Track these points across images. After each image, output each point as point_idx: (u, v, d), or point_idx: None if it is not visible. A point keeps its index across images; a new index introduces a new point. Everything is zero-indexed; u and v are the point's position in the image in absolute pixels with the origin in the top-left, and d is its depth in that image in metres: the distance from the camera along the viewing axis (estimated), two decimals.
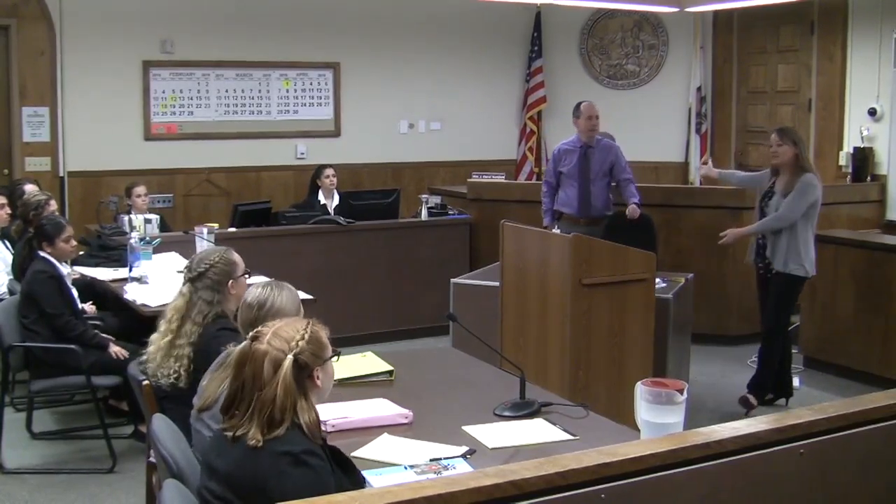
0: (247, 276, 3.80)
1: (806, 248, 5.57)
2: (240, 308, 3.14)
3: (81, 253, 6.19)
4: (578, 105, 6.76)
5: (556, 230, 6.32)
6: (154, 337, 3.60)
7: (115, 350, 4.95)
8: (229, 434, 2.35)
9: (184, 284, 3.68)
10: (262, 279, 3.83)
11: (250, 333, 2.46)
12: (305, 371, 2.40)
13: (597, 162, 6.69)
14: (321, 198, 7.96)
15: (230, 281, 3.66)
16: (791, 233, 5.54)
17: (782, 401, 5.88)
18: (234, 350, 2.91)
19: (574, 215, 6.69)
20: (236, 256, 3.77)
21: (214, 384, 2.86)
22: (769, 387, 5.82)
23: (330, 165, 8.15)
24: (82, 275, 5.83)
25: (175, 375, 3.47)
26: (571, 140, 6.83)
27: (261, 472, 2.29)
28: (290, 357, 2.37)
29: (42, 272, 4.93)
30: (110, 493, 4.56)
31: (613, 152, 6.75)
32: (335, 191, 7.99)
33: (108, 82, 8.26)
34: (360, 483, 2.49)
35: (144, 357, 3.59)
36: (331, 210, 7.82)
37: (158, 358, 3.53)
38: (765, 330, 5.81)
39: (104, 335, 5.06)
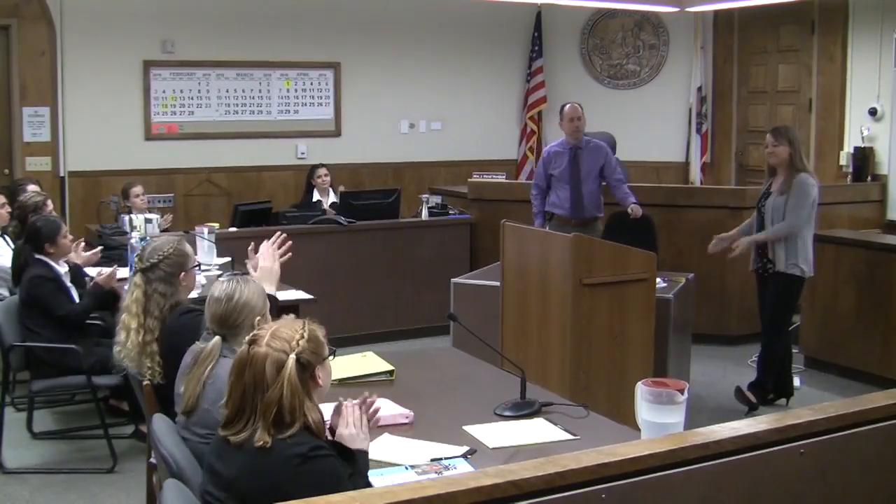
0: (197, 269, 3.81)
1: (805, 249, 5.58)
2: (207, 304, 3.12)
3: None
4: (562, 107, 6.79)
5: None
6: (122, 335, 3.61)
7: (102, 280, 5.00)
8: (235, 440, 2.34)
9: (135, 274, 3.70)
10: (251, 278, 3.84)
11: (247, 338, 2.45)
12: (308, 370, 2.40)
13: (587, 163, 6.69)
14: (317, 196, 7.99)
15: (182, 273, 3.68)
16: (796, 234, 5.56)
17: (783, 400, 5.88)
18: (208, 347, 2.91)
19: (566, 216, 6.69)
20: (189, 248, 3.80)
21: (193, 383, 2.86)
22: (770, 388, 5.82)
23: (323, 165, 8.19)
24: (76, 265, 5.78)
25: (150, 373, 3.52)
26: (560, 142, 6.85)
27: (271, 476, 2.29)
28: (292, 357, 2.36)
29: (40, 276, 4.92)
30: (111, 494, 4.56)
31: (603, 153, 6.75)
32: (330, 189, 8.03)
33: (109, 82, 8.27)
34: (363, 470, 2.51)
35: (118, 349, 3.61)
36: (326, 207, 7.85)
37: (134, 354, 3.55)
38: (764, 330, 5.82)
39: (93, 286, 5.09)
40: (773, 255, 5.62)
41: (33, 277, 4.92)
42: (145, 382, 3.50)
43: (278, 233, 3.82)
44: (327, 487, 2.16)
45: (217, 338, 2.97)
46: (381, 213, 7.58)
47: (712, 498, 2.06)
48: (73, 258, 5.39)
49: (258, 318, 3.07)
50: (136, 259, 3.75)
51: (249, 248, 3.73)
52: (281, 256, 3.75)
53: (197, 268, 3.85)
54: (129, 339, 3.57)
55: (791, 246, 5.55)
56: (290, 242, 3.84)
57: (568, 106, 6.73)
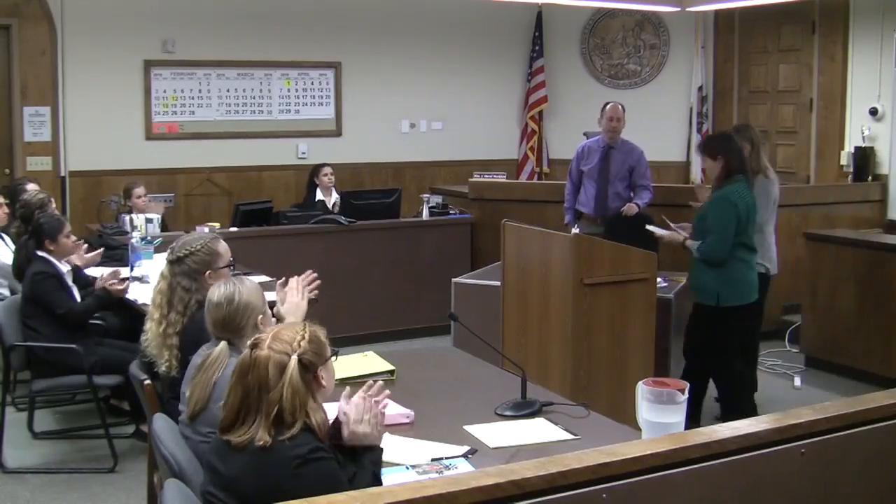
0: (230, 268, 3.76)
1: (768, 247, 5.56)
2: (206, 309, 3.10)
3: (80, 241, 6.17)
4: (604, 106, 6.77)
5: (575, 229, 6.33)
6: (147, 324, 3.62)
7: (115, 289, 5.03)
8: (237, 441, 2.34)
9: (165, 266, 3.69)
10: (264, 279, 3.83)
11: (249, 342, 2.45)
12: (310, 371, 2.40)
13: (617, 163, 6.67)
14: (319, 195, 7.99)
15: (208, 271, 3.63)
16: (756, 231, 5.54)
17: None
18: (214, 353, 2.91)
19: (591, 215, 6.69)
20: (222, 247, 3.72)
21: (199, 388, 2.85)
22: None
23: (328, 164, 8.18)
24: (78, 266, 5.79)
25: (167, 364, 3.51)
26: (597, 139, 6.83)
27: (270, 477, 2.29)
28: (294, 358, 2.37)
29: (42, 273, 4.93)
30: (112, 493, 4.57)
31: (635, 156, 6.73)
32: (333, 188, 8.03)
33: (110, 82, 8.27)
34: (368, 468, 2.50)
35: (143, 337, 3.63)
36: (329, 207, 7.84)
37: (155, 345, 3.56)
38: None
39: (101, 290, 5.10)
40: None
41: (36, 273, 4.93)
42: (147, 382, 3.50)
43: (310, 271, 3.64)
44: (325, 490, 2.16)
45: (223, 343, 2.96)
46: (382, 212, 7.58)
47: (713, 497, 2.06)
48: (73, 259, 5.40)
49: (260, 316, 3.07)
50: (168, 251, 3.73)
51: (279, 282, 3.59)
52: (310, 293, 3.57)
53: (230, 268, 3.75)
54: (150, 330, 3.58)
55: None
56: (319, 281, 3.64)
57: (609, 105, 6.73)
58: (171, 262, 3.65)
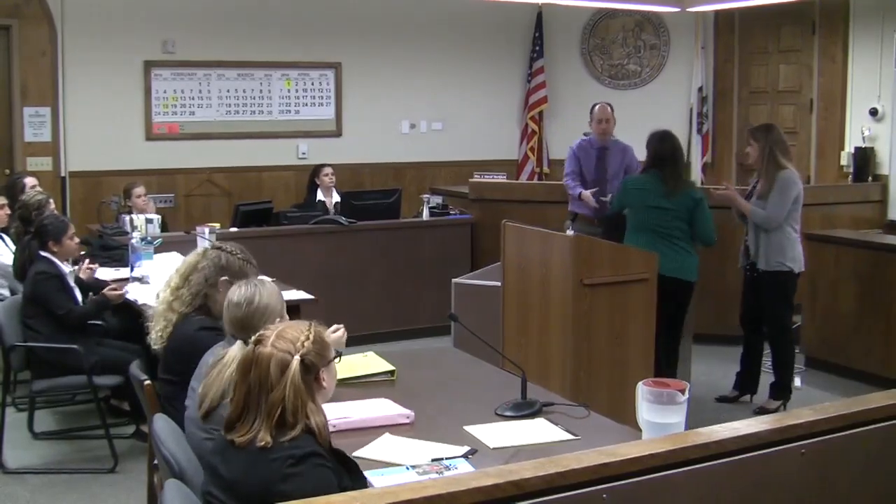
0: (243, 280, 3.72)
1: (791, 245, 5.55)
2: (225, 308, 3.11)
3: (83, 253, 6.18)
4: (592, 107, 6.74)
5: (570, 231, 6.33)
6: (164, 287, 3.66)
7: (112, 294, 5.08)
8: (240, 441, 2.33)
9: (211, 247, 3.71)
10: (266, 279, 3.81)
11: (253, 337, 2.45)
12: (312, 372, 2.39)
13: (613, 163, 6.66)
14: (320, 195, 7.99)
15: (225, 277, 3.56)
16: (776, 229, 5.54)
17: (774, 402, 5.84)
18: (231, 352, 2.90)
19: (589, 216, 6.69)
20: (246, 270, 3.58)
21: (215, 387, 2.83)
22: (791, 386, 5.79)
23: (328, 164, 8.18)
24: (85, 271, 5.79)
25: (156, 334, 3.55)
26: (589, 139, 6.81)
27: (267, 477, 2.28)
28: (296, 358, 2.35)
29: (43, 273, 4.93)
30: (112, 494, 4.57)
31: (629, 155, 6.71)
32: (334, 189, 8.03)
33: (110, 82, 8.27)
34: (364, 486, 2.48)
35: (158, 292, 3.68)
36: (330, 207, 7.85)
37: (160, 309, 3.59)
38: (770, 332, 5.78)
39: (100, 295, 5.14)
40: (756, 252, 5.60)
41: (38, 273, 4.94)
42: (147, 383, 3.50)
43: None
44: (315, 494, 2.13)
45: (239, 342, 2.95)
46: (382, 213, 7.58)
47: (713, 498, 2.06)
48: (79, 273, 5.41)
49: (278, 319, 3.07)
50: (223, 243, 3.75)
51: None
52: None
53: (239, 280, 3.70)
54: (161, 293, 3.63)
55: (775, 243, 5.53)
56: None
57: (597, 107, 6.68)
58: (214, 247, 3.67)
